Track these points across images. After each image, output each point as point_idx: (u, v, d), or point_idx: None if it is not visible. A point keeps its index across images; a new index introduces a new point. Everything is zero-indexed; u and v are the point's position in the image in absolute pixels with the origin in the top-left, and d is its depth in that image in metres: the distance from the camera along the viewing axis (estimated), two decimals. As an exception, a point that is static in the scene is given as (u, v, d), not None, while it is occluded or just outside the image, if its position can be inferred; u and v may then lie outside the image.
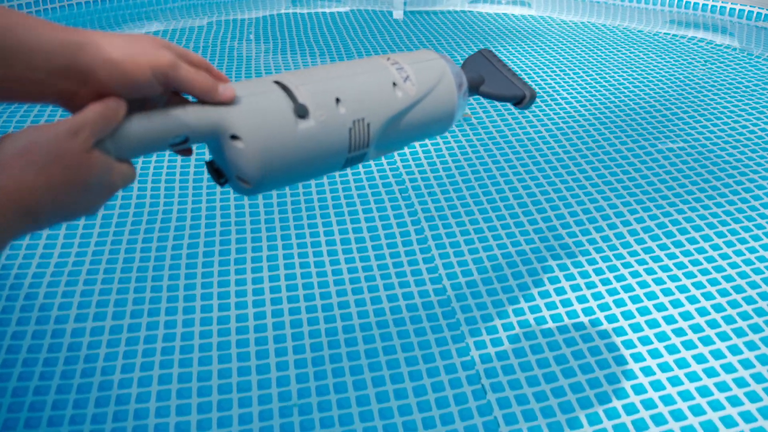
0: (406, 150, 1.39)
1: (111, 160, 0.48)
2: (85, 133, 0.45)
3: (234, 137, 0.53)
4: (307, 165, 0.57)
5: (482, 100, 1.63)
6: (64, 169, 0.44)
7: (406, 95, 0.62)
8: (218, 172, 0.57)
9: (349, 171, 1.31)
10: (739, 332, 0.93)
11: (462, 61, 0.76)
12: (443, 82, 0.65)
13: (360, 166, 1.33)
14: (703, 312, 0.97)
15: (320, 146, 0.57)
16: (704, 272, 1.05)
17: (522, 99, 0.73)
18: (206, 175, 1.28)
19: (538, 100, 1.64)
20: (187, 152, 0.57)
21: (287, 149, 0.55)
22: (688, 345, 0.91)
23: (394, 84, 0.61)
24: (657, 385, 0.85)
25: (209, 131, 0.52)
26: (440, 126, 0.67)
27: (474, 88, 0.72)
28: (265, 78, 0.58)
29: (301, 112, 0.55)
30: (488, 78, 0.74)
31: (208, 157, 0.53)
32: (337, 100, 0.58)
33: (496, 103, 1.62)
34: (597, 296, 1.00)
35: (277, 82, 0.56)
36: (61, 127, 0.44)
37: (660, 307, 0.98)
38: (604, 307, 0.97)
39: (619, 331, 0.93)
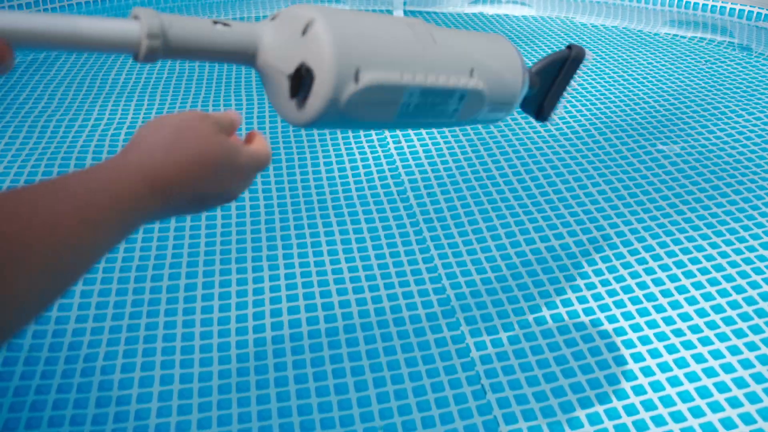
0: (406, 150, 1.39)
1: (239, 144, 0.49)
2: (212, 119, 0.48)
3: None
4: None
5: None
6: (190, 145, 0.45)
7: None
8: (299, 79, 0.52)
9: (349, 171, 1.31)
10: (739, 333, 0.93)
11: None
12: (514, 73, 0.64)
13: (360, 163, 1.33)
14: (702, 313, 0.97)
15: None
16: (704, 272, 1.05)
17: (534, 117, 0.74)
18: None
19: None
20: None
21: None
22: (688, 345, 0.91)
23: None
24: (657, 386, 0.85)
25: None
26: (497, 115, 0.67)
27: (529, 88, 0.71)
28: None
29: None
30: (540, 85, 0.73)
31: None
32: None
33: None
34: (597, 297, 1.00)
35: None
36: (191, 113, 0.47)
37: (660, 308, 0.98)
38: (604, 308, 0.98)
39: (619, 332, 0.93)
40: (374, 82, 0.52)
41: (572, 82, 0.76)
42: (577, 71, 0.74)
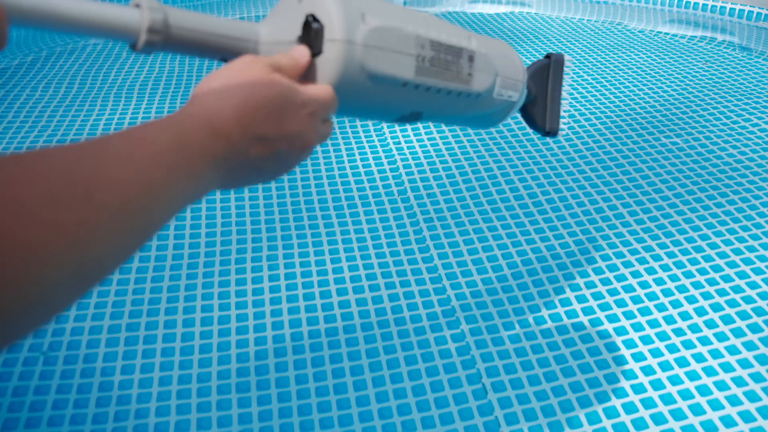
0: (406, 151, 1.39)
1: (297, 84, 0.48)
2: (265, 61, 0.47)
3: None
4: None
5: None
6: (243, 85, 0.45)
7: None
8: (311, 29, 0.52)
9: (349, 171, 1.31)
10: (738, 332, 0.93)
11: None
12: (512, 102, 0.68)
13: (359, 163, 1.33)
14: (702, 311, 0.97)
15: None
16: (703, 272, 1.05)
17: (545, 132, 0.76)
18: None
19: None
20: None
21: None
22: (688, 344, 0.91)
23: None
24: (657, 384, 0.85)
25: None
26: (490, 121, 0.69)
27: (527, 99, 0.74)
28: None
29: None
30: (540, 99, 0.75)
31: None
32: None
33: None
34: (597, 296, 1.00)
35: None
36: (242, 57, 0.48)
37: (660, 307, 0.98)
38: (604, 307, 0.98)
39: (620, 331, 0.93)
40: (382, 24, 0.52)
41: (563, 92, 0.78)
42: (563, 78, 0.75)
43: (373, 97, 0.55)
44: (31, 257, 0.30)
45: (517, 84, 0.67)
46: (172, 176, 0.39)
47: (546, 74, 0.75)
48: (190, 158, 0.41)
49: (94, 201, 0.34)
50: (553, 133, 0.75)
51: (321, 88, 0.50)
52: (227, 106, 0.44)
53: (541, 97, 0.74)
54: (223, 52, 0.51)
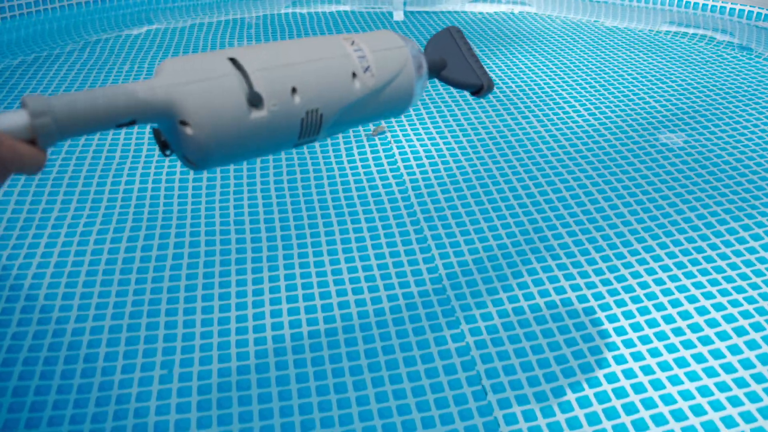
0: (407, 148, 1.39)
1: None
2: None
3: (183, 123, 0.52)
4: (255, 150, 0.57)
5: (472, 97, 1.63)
6: None
7: (364, 86, 0.61)
8: (164, 144, 0.56)
9: (349, 171, 1.31)
10: (740, 331, 0.93)
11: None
12: (404, 72, 0.63)
13: (359, 164, 1.33)
14: (702, 311, 0.97)
15: (270, 134, 0.56)
16: (704, 272, 1.05)
17: (480, 89, 0.72)
18: (206, 175, 1.28)
19: (537, 100, 1.64)
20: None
21: (237, 137, 0.54)
22: (688, 344, 0.91)
23: (354, 74, 0.60)
24: (657, 384, 0.85)
25: (158, 114, 0.52)
26: (394, 112, 0.66)
27: (434, 72, 0.71)
28: (219, 53, 0.56)
29: (255, 101, 0.54)
30: (450, 62, 0.73)
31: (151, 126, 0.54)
32: (294, 89, 0.57)
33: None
34: (598, 296, 1.00)
35: (232, 60, 0.55)
36: None
37: (660, 307, 0.98)
38: (604, 307, 0.98)
39: (619, 331, 0.93)
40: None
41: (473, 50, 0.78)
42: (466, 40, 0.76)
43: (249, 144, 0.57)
44: None
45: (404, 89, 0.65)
46: None
47: (451, 41, 0.74)
48: None
49: None
50: (489, 86, 0.73)
51: (28, 149, 0.48)
52: None
53: (458, 60, 0.73)
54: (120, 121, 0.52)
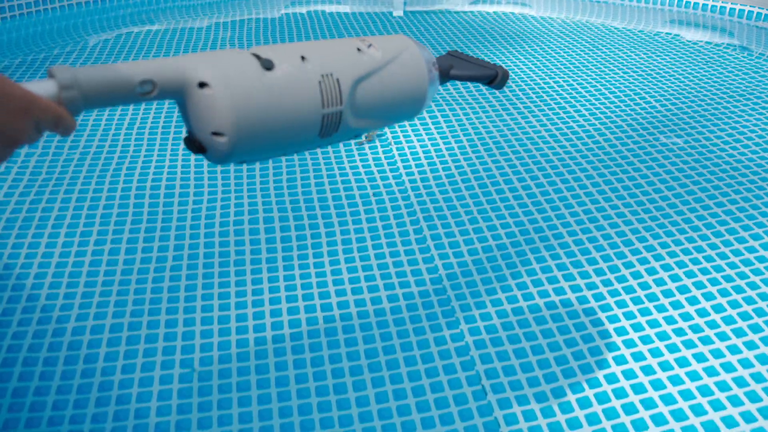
0: (406, 149, 1.39)
1: (21, 87, 0.47)
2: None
3: (202, 84, 0.55)
4: (283, 120, 0.59)
5: (479, 92, 1.63)
6: None
7: (371, 58, 0.65)
8: (195, 143, 0.58)
9: (349, 171, 1.31)
10: (739, 332, 0.93)
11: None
12: (408, 51, 0.67)
13: (359, 163, 1.33)
14: (703, 312, 0.97)
15: (291, 97, 0.59)
16: (705, 272, 1.05)
17: (494, 77, 0.76)
18: (206, 175, 1.28)
19: (537, 100, 1.64)
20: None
21: (257, 97, 0.57)
22: (688, 344, 0.91)
23: (358, 49, 0.65)
24: (657, 384, 0.85)
25: (176, 79, 0.54)
26: (413, 102, 0.69)
27: (445, 73, 0.75)
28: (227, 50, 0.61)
29: (267, 64, 0.58)
30: (459, 65, 0.77)
31: (185, 133, 0.57)
32: (302, 57, 0.60)
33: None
34: (598, 297, 1.00)
35: (239, 51, 0.60)
36: None
37: (661, 308, 0.98)
38: (605, 308, 0.98)
39: (620, 331, 0.93)
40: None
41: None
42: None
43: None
44: None
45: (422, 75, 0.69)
46: None
47: (453, 58, 0.79)
48: None
49: None
50: (505, 74, 0.77)
51: (46, 101, 0.50)
52: None
53: (465, 63, 0.78)
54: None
